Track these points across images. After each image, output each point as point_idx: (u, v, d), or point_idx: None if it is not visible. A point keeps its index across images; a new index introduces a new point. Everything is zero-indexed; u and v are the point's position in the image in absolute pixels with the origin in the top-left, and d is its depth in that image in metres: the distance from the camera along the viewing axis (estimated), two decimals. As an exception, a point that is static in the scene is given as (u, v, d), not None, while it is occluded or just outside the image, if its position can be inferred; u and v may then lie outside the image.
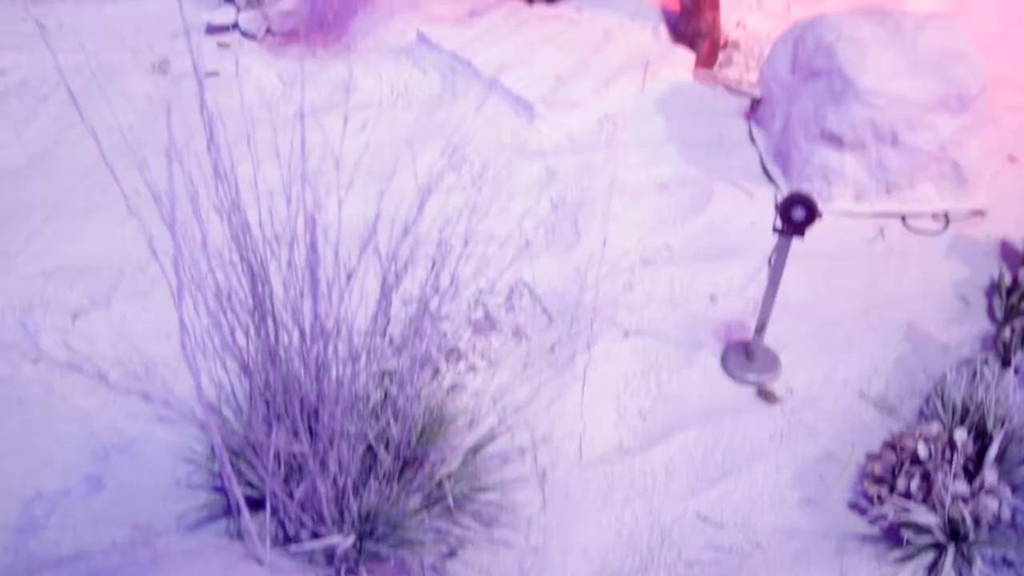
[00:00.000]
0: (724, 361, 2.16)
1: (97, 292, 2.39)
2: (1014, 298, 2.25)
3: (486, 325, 2.19)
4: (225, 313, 1.47)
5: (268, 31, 3.46)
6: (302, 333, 1.49)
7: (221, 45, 3.44)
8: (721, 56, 3.28)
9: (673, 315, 2.29)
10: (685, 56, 3.16)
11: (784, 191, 2.66)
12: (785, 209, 1.84)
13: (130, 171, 2.21)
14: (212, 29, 3.50)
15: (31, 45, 3.52)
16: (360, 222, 2.34)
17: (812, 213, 1.81)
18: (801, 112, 2.64)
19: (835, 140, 2.56)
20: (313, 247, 1.27)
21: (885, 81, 2.50)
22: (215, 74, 3.25)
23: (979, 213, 2.67)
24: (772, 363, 2.14)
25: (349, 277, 1.46)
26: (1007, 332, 2.13)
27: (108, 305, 2.34)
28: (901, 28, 2.61)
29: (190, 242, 1.52)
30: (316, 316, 1.38)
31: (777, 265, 1.95)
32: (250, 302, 1.49)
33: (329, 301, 1.46)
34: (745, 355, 2.14)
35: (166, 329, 2.27)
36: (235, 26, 3.48)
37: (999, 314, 2.30)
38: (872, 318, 2.31)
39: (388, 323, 1.70)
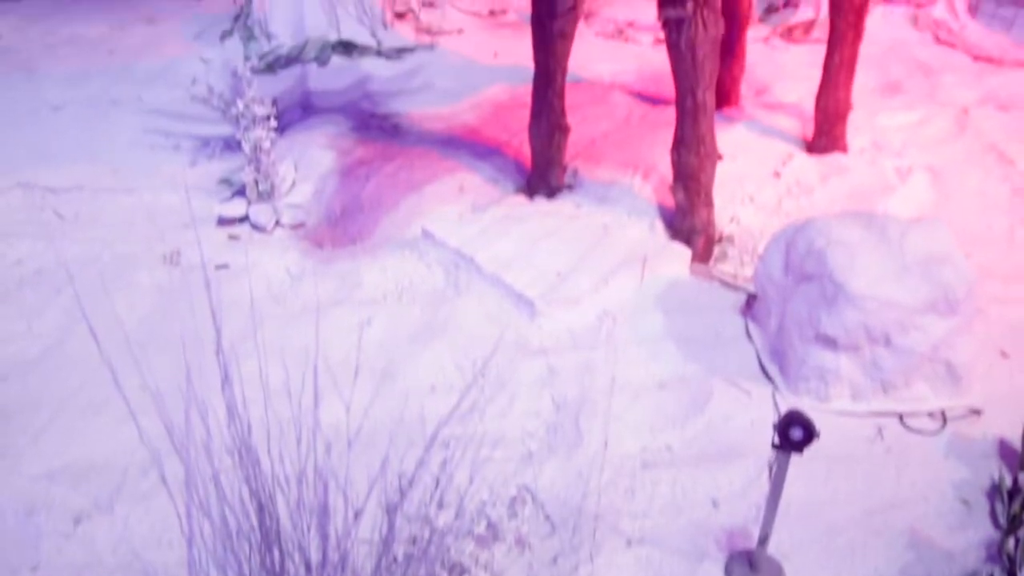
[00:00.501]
0: (728, 572, 2.15)
1: (101, 495, 2.39)
2: (1015, 506, 2.26)
3: (489, 536, 2.19)
4: (232, 549, 1.48)
5: (277, 223, 3.58)
6: (308, 565, 1.51)
7: (231, 237, 3.56)
8: (716, 251, 3.39)
9: (675, 522, 2.30)
10: (681, 252, 3.26)
11: (782, 390, 2.71)
12: (783, 428, 1.88)
13: (138, 367, 2.27)
14: (223, 221, 3.63)
15: (48, 234, 3.64)
16: (365, 423, 2.37)
17: (810, 433, 1.85)
18: (795, 314, 2.71)
19: (830, 342, 2.62)
20: (324, 509, 1.30)
21: (875, 285, 2.58)
22: (225, 267, 3.36)
23: (976, 412, 2.71)
24: (776, 574, 2.13)
25: (357, 515, 1.48)
26: (1011, 543, 2.14)
27: (111, 509, 2.35)
28: (887, 232, 2.72)
29: (197, 450, 1.56)
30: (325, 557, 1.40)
31: (777, 479, 1.97)
32: (257, 536, 1.51)
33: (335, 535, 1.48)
34: (749, 566, 2.13)
35: (167, 535, 2.27)
36: (245, 218, 3.61)
37: (1002, 520, 2.30)
38: (874, 523, 2.31)
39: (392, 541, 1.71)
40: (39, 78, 5.73)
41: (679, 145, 3.20)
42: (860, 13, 4.00)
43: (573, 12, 3.34)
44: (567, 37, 3.38)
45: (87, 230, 3.70)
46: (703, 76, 3.05)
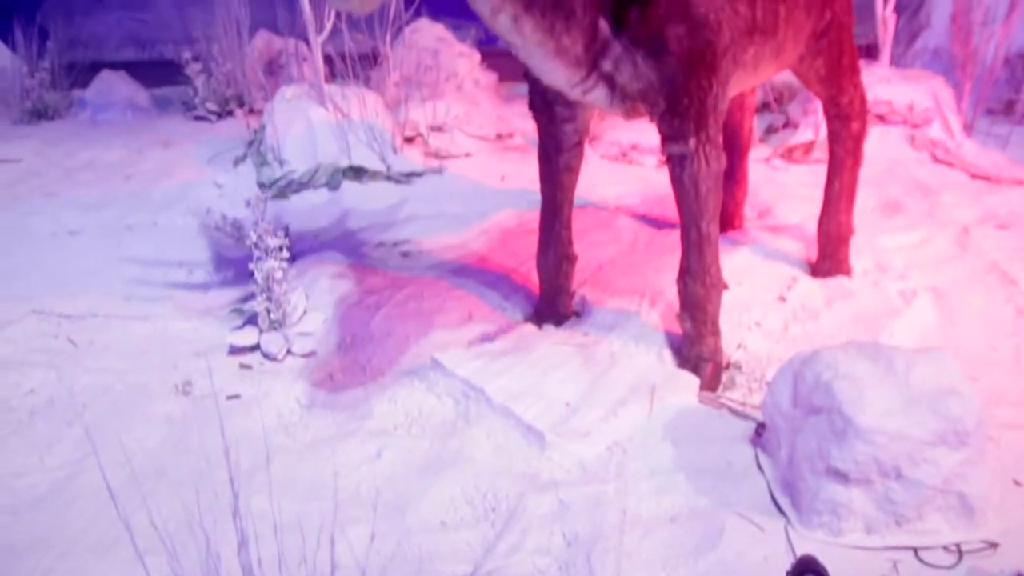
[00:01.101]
0: None
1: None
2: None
3: None
4: None
5: (288, 352, 3.62)
6: None
7: (243, 366, 3.59)
8: (724, 378, 3.41)
9: (690, 665, 2.26)
10: (689, 380, 3.28)
11: (795, 524, 2.69)
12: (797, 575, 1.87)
13: (148, 504, 2.26)
14: (234, 350, 3.66)
15: (61, 363, 3.68)
16: (375, 560, 2.36)
17: (824, 581, 1.84)
18: (805, 446, 2.72)
19: (841, 476, 2.62)
20: None
21: (884, 419, 2.59)
22: (236, 397, 3.38)
23: (992, 544, 2.68)
24: None
25: None
26: None
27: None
28: (894, 364, 2.74)
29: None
30: None
31: (793, 626, 1.95)
32: None
33: None
34: None
35: None
36: (256, 347, 3.64)
37: (1023, 661, 2.26)
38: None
39: None
40: (58, 203, 5.87)
41: (685, 275, 3.25)
42: (858, 140, 4.12)
43: (579, 147, 3.44)
44: (573, 171, 3.48)
45: (100, 358, 3.73)
46: (707, 209, 3.12)
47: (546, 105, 3.32)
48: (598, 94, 2.98)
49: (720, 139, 3.11)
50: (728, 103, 3.19)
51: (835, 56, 3.82)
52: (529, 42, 2.73)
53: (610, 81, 2.93)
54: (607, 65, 2.88)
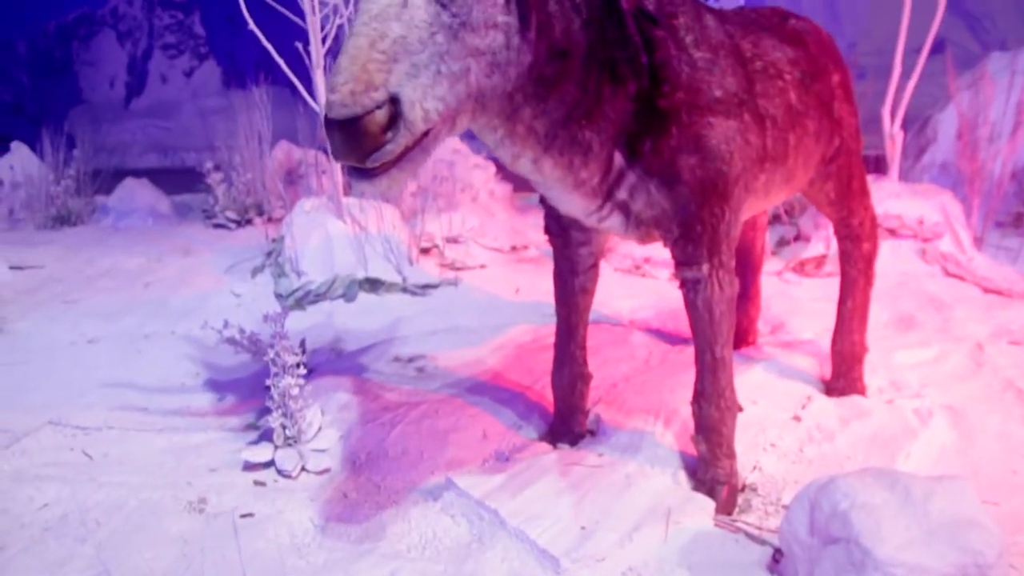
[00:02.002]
0: None
1: None
2: None
3: None
4: None
5: (303, 469, 3.62)
6: None
7: (257, 483, 3.58)
8: (740, 500, 3.39)
9: None
10: (705, 503, 3.26)
11: (814, 658, 2.64)
12: None
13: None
14: (249, 466, 3.66)
15: (75, 477, 3.68)
16: None
17: None
18: (824, 577, 2.68)
19: (861, 609, 2.58)
20: None
21: (902, 551, 2.57)
22: (250, 515, 3.36)
23: None
24: None
25: None
26: None
27: None
28: (912, 494, 2.72)
29: None
30: None
31: None
32: None
33: None
34: None
35: None
36: (271, 463, 3.65)
37: None
38: None
39: None
40: (78, 310, 5.95)
41: (699, 398, 3.26)
42: (870, 261, 4.17)
43: (594, 269, 3.50)
44: (588, 292, 3.53)
45: (115, 473, 3.74)
46: (721, 333, 3.15)
47: (562, 229, 3.39)
48: (613, 221, 3.04)
49: (733, 264, 3.16)
50: (740, 228, 3.25)
51: (845, 180, 3.91)
52: (549, 179, 2.81)
53: (625, 209, 2.99)
54: (622, 194, 2.95)
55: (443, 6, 2.17)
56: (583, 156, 2.78)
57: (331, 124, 2.04)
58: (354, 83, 2.02)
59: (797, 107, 3.36)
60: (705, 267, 3.07)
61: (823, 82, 3.61)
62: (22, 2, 12.75)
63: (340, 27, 6.21)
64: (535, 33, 2.43)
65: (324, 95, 5.75)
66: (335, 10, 6.18)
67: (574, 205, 2.99)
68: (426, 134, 2.18)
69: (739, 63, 3.11)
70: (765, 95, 3.20)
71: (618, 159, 2.88)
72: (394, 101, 2.07)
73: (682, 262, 3.11)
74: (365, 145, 2.05)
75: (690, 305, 3.17)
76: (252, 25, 6.11)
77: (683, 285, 3.17)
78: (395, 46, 2.08)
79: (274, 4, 6.22)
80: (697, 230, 3.01)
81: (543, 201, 3.26)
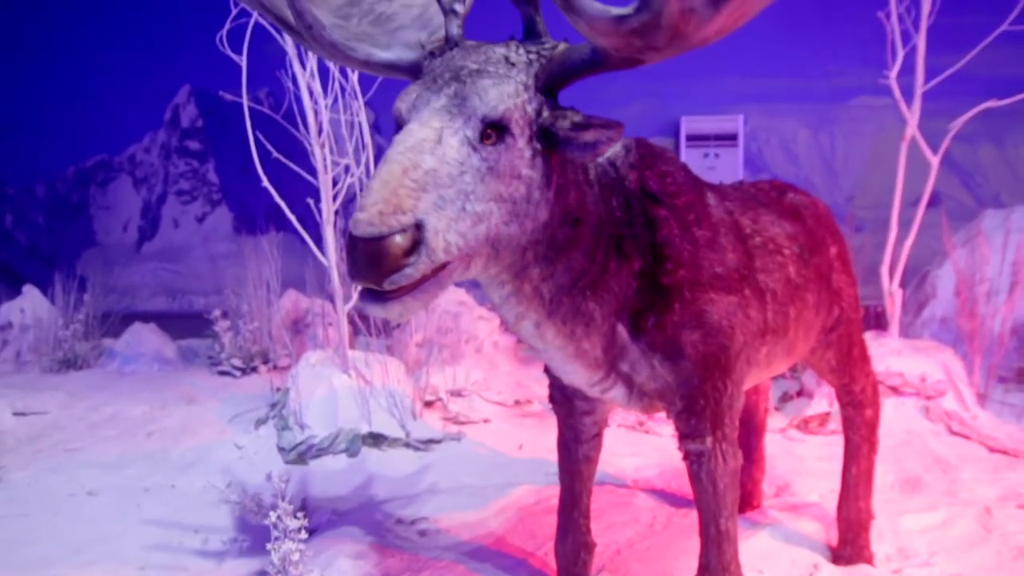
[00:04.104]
0: None
1: None
2: None
3: None
4: None
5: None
6: None
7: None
8: None
9: None
10: None
11: None
12: None
13: None
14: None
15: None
16: None
17: None
18: None
19: None
20: None
21: None
22: None
23: None
24: None
25: None
26: None
27: None
28: None
29: None
30: None
31: None
32: None
33: None
34: None
35: None
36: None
37: None
38: None
39: None
40: (78, 460, 5.94)
41: (704, 572, 3.22)
42: (872, 427, 4.18)
43: (598, 438, 3.51)
44: (592, 461, 3.53)
45: None
46: (725, 506, 3.14)
47: (566, 399, 3.42)
48: (617, 392, 3.07)
49: (736, 436, 3.17)
50: (743, 399, 3.28)
51: (845, 348, 3.96)
52: (551, 346, 2.86)
53: (628, 381, 3.03)
54: (625, 366, 2.98)
55: (474, 149, 2.30)
56: (585, 327, 2.83)
57: (355, 242, 2.11)
58: (383, 204, 2.11)
59: (797, 280, 3.44)
60: (709, 440, 3.09)
61: (821, 255, 3.71)
62: (45, 147, 13.13)
63: (351, 186, 6.41)
64: (554, 193, 2.53)
65: (333, 249, 5.90)
66: (347, 169, 6.39)
67: (578, 376, 3.03)
68: (443, 267, 2.25)
69: (739, 239, 3.21)
70: (765, 270, 3.29)
71: (621, 332, 2.93)
72: (419, 227, 2.15)
73: (686, 434, 3.13)
74: (385, 266, 2.11)
75: (694, 477, 3.17)
76: (266, 182, 6.32)
77: (687, 457, 3.18)
78: (426, 176, 2.19)
79: (286, 162, 6.44)
80: (700, 403, 3.04)
81: (547, 371, 3.30)
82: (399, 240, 2.11)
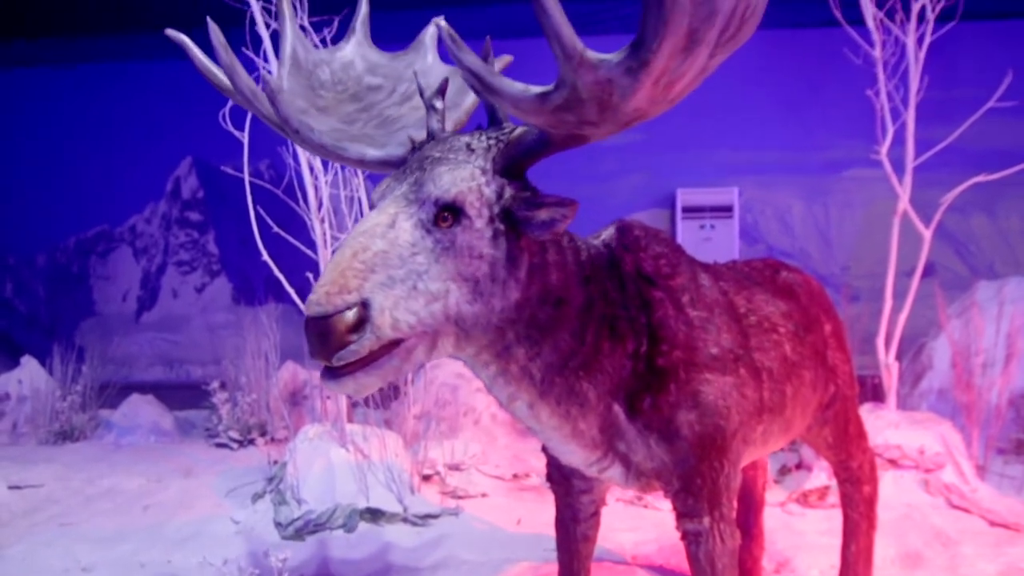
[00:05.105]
0: None
1: None
2: None
3: None
4: None
5: None
6: None
7: None
8: None
9: None
10: None
11: None
12: None
13: None
14: None
15: None
16: None
17: None
18: None
19: None
20: None
21: None
22: None
23: None
24: None
25: None
26: None
27: None
28: None
29: None
30: None
31: None
32: None
33: None
34: None
35: None
36: None
37: None
38: None
39: None
40: (74, 534, 5.90)
41: (705, 655, 3.19)
42: (871, 503, 4.18)
43: (595, 517, 3.51)
44: (590, 540, 3.52)
45: None
46: (724, 587, 3.13)
47: (563, 478, 3.43)
48: (614, 472, 3.09)
49: (734, 515, 3.18)
50: (741, 477, 3.29)
51: (842, 425, 3.98)
52: (547, 427, 2.88)
53: (626, 460, 3.04)
54: (622, 446, 3.00)
55: (428, 231, 2.41)
56: (580, 407, 2.86)
57: (307, 321, 2.25)
58: (330, 285, 2.24)
59: (792, 358, 3.48)
60: (706, 520, 3.09)
61: (816, 332, 3.75)
62: (47, 217, 13.26)
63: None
64: (525, 273, 2.58)
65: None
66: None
67: (574, 456, 3.05)
68: (397, 344, 2.34)
69: (734, 319, 3.25)
70: (761, 348, 3.33)
71: (617, 412, 2.96)
72: (365, 305, 2.26)
73: (683, 514, 3.14)
74: (332, 342, 2.23)
75: (692, 558, 3.17)
76: (265, 256, 6.38)
77: (684, 537, 3.18)
78: (375, 258, 2.30)
79: (286, 236, 6.51)
80: (697, 483, 3.05)
81: (545, 450, 3.31)
82: (345, 318, 2.22)
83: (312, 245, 6.49)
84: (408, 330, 2.35)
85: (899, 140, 6.98)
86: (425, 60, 3.26)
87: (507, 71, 3.19)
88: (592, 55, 2.16)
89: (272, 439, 8.09)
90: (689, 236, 11.07)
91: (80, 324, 13.31)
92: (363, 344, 2.26)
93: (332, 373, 2.32)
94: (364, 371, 2.32)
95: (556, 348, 2.74)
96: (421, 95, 2.83)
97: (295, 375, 8.61)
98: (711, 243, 11.04)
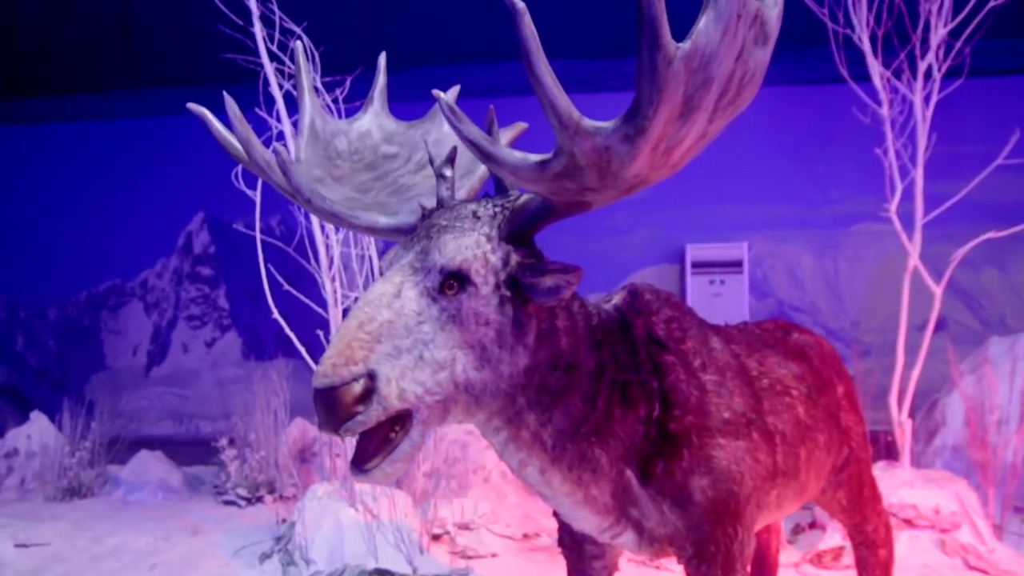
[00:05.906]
0: None
1: None
2: None
3: None
4: None
5: None
6: None
7: None
8: None
9: None
10: None
11: None
12: None
13: None
14: None
15: None
16: None
17: None
18: None
19: None
20: None
21: None
22: None
23: None
24: None
25: None
26: None
27: None
28: None
29: None
30: None
31: None
32: None
33: None
34: None
35: None
36: None
37: None
38: None
39: None
40: (79, 597, 5.82)
41: None
42: (887, 567, 4.12)
43: (606, 582, 3.47)
44: (603, 606, 3.47)
45: None
46: (739, 654, 3.08)
47: (575, 543, 3.39)
48: (627, 538, 3.05)
49: (748, 565, 3.14)
50: (755, 542, 3.25)
51: (856, 488, 3.94)
52: (558, 493, 2.86)
53: (638, 526, 3.01)
54: (635, 512, 2.97)
55: (433, 299, 2.42)
56: (592, 472, 2.84)
57: (315, 393, 2.25)
58: (336, 357, 2.25)
59: (806, 421, 3.45)
60: (718, 573, 3.05)
61: (829, 394, 3.73)
62: (59, 272, 13.36)
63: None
64: (534, 339, 2.58)
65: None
66: (356, 302, 6.47)
67: (587, 523, 3.02)
68: (408, 416, 2.33)
69: (746, 382, 3.24)
70: (774, 412, 3.30)
71: (630, 478, 2.94)
72: (372, 377, 2.26)
73: (691, 561, 3.10)
74: (339, 413, 2.23)
75: (705, 623, 3.11)
76: (276, 314, 6.40)
77: (695, 594, 3.13)
78: (380, 328, 2.31)
79: (296, 294, 6.53)
80: (711, 550, 3.01)
81: (556, 515, 3.28)
82: (351, 389, 2.23)
83: (323, 302, 6.50)
84: (415, 400, 2.35)
85: (908, 195, 6.98)
86: (440, 129, 3.30)
87: (528, 128, 3.24)
88: (588, 123, 2.18)
89: (281, 497, 8.03)
90: (699, 291, 11.06)
91: (90, 378, 13.32)
92: (370, 415, 2.26)
93: (359, 468, 2.34)
94: (387, 461, 2.33)
95: (567, 414, 2.73)
96: (431, 164, 2.86)
97: (304, 432, 8.57)
98: (721, 298, 11.02)
